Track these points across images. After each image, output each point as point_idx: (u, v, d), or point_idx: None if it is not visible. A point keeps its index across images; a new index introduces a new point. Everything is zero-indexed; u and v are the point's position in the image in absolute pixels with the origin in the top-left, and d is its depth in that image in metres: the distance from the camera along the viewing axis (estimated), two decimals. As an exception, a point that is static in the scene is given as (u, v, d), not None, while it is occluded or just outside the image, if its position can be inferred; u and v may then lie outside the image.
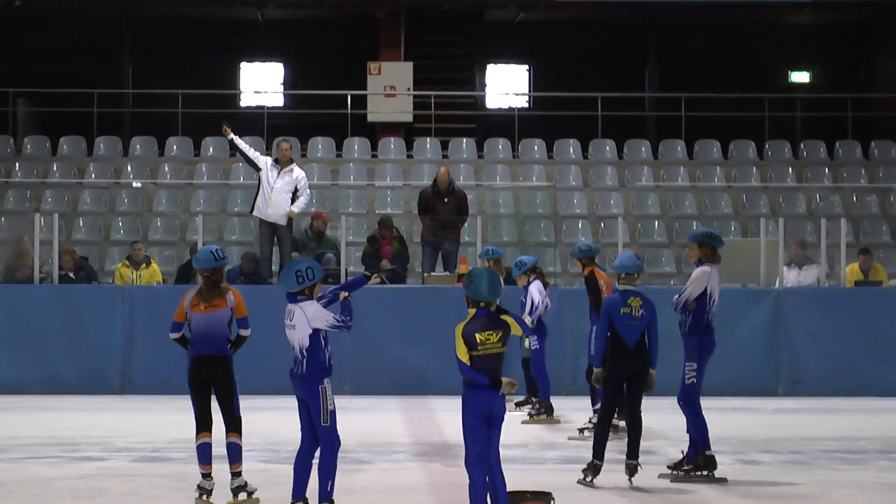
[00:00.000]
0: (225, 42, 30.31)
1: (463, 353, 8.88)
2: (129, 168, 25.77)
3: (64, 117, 27.07)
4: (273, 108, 29.47)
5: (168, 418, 16.27)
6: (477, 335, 8.88)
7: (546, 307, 16.33)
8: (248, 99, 30.70)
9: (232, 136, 19.42)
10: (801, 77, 31.66)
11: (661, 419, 15.11)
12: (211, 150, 26.53)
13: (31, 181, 25.29)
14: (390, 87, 27.48)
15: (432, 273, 20.46)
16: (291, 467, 9.77)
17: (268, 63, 31.06)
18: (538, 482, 11.04)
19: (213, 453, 10.55)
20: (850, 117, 27.85)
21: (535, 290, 16.12)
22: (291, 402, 9.89)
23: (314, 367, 9.57)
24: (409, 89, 27.51)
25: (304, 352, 9.58)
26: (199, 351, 10.53)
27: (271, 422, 15.51)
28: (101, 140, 26.54)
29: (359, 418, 15.98)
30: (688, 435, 11.89)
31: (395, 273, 20.49)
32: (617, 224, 21.42)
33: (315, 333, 9.57)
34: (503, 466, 9.01)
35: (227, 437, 10.51)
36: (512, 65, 31.25)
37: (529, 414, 16.50)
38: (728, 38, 30.42)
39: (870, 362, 19.63)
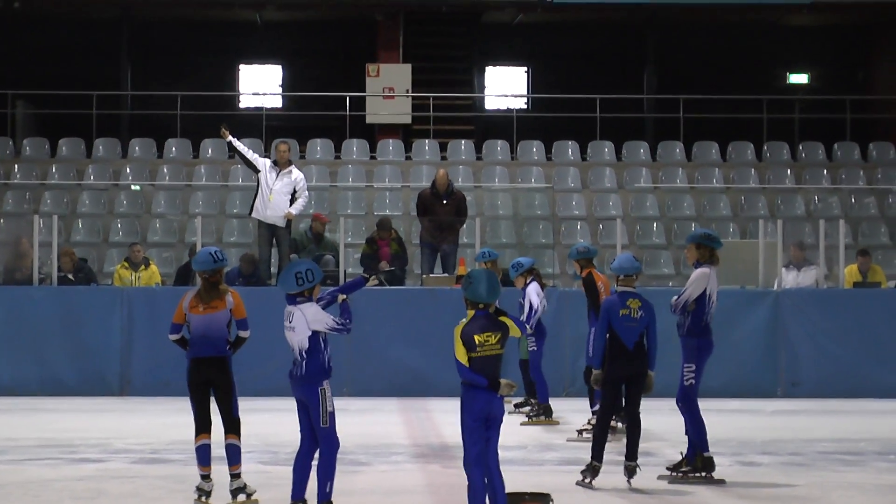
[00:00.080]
0: (224, 44, 30.31)
1: (461, 355, 8.88)
2: (128, 170, 25.78)
3: (63, 119, 27.07)
4: (272, 109, 29.46)
5: (167, 420, 16.26)
6: (476, 336, 8.88)
7: (543, 308, 16.33)
8: (246, 101, 30.70)
9: (230, 138, 19.43)
10: (799, 79, 31.66)
11: (660, 421, 15.11)
12: (210, 151, 26.54)
13: (30, 183, 25.30)
14: (389, 89, 27.49)
15: (431, 275, 20.46)
16: (290, 469, 9.77)
17: (266, 65, 31.06)
18: (537, 483, 11.03)
19: (213, 455, 10.55)
20: (849, 119, 27.87)
21: (534, 292, 16.09)
22: (290, 404, 9.89)
23: (313, 368, 9.58)
24: (407, 91, 27.52)
25: (303, 354, 9.58)
26: (198, 352, 10.53)
27: (270, 423, 15.51)
28: (99, 142, 26.55)
29: (357, 420, 15.97)
30: (686, 436, 11.89)
31: (393, 275, 20.49)
32: (615, 225, 21.44)
33: (314, 335, 9.58)
34: (502, 468, 9.01)
35: (225, 438, 10.51)
36: (510, 66, 31.25)
37: (528, 415, 16.51)
38: (727, 39, 30.43)
39: (868, 364, 19.64)
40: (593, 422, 13.50)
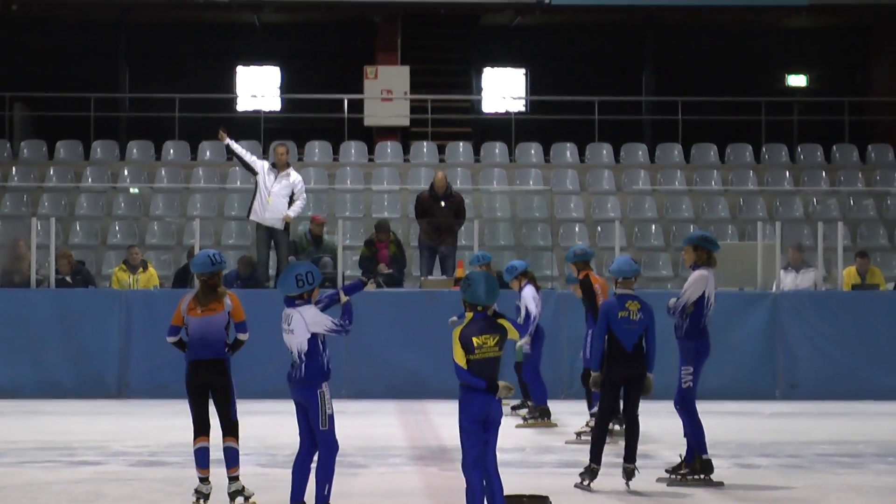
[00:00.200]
0: (222, 46, 30.31)
1: (460, 357, 8.87)
2: (126, 172, 25.76)
3: (61, 121, 27.06)
4: (270, 112, 29.47)
5: (165, 422, 16.26)
6: (474, 339, 8.87)
7: (539, 312, 16.28)
8: (244, 103, 30.69)
9: (228, 140, 19.43)
10: (797, 81, 31.67)
11: (659, 423, 15.10)
12: (208, 154, 26.53)
13: (27, 185, 25.28)
14: (387, 91, 27.48)
15: (429, 277, 20.47)
16: (289, 471, 9.77)
17: (264, 67, 31.06)
18: (535, 486, 11.04)
19: (211, 457, 10.54)
20: (847, 121, 27.88)
21: (530, 297, 16.03)
22: (289, 406, 9.89)
23: (312, 371, 9.57)
24: (405, 93, 27.51)
25: (302, 356, 9.58)
26: (197, 355, 10.52)
27: (268, 426, 15.50)
28: (97, 144, 26.54)
29: (355, 422, 15.96)
30: (685, 439, 11.89)
31: (392, 277, 20.49)
32: (614, 227, 21.45)
33: (313, 338, 9.57)
34: (500, 470, 9.01)
35: (224, 441, 10.50)
36: (509, 68, 31.26)
37: (524, 418, 16.49)
38: (725, 41, 30.45)
39: (867, 366, 19.64)
40: (591, 424, 13.49)
